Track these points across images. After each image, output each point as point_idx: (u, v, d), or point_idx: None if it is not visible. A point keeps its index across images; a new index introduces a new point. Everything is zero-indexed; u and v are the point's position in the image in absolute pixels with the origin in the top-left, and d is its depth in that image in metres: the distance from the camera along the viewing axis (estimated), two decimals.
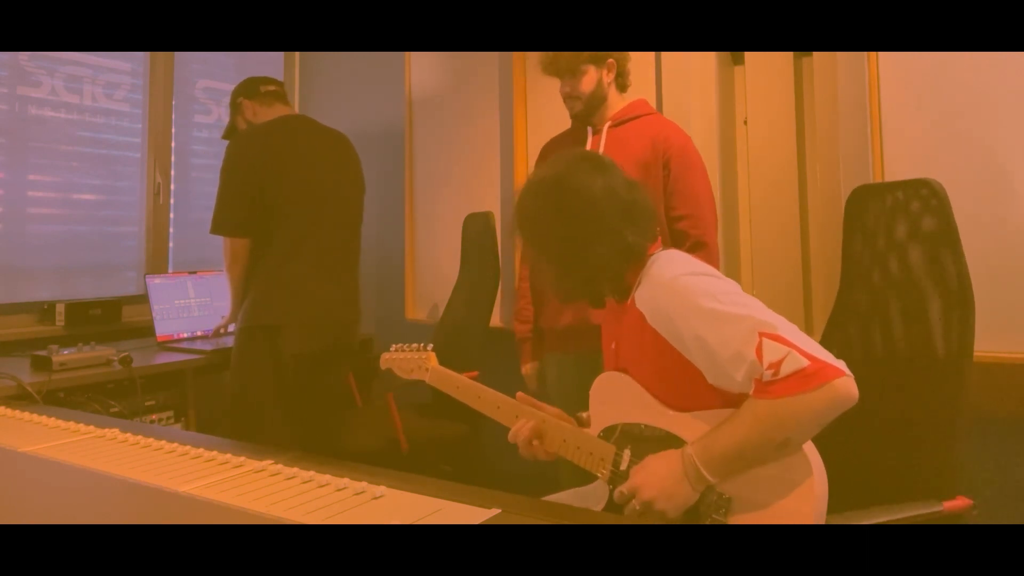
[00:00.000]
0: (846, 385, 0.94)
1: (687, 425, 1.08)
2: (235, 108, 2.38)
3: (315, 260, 2.21)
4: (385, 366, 1.56)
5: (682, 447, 1.05)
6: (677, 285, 1.09)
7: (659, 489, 1.04)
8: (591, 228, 1.15)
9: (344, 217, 2.34)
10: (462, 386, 1.39)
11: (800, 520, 0.97)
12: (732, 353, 0.99)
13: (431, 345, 1.50)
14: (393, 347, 1.55)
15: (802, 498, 0.98)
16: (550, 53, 1.85)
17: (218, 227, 2.19)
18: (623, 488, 1.09)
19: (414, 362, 1.49)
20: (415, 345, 1.51)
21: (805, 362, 0.94)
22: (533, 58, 2.56)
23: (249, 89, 2.35)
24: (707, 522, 1.03)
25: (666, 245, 1.27)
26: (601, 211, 1.15)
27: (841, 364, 0.96)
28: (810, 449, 1.01)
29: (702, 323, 1.03)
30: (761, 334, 0.97)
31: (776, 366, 0.95)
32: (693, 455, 1.02)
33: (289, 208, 2.18)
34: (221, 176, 2.19)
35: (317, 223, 2.23)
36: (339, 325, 2.28)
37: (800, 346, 0.96)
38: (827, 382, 0.93)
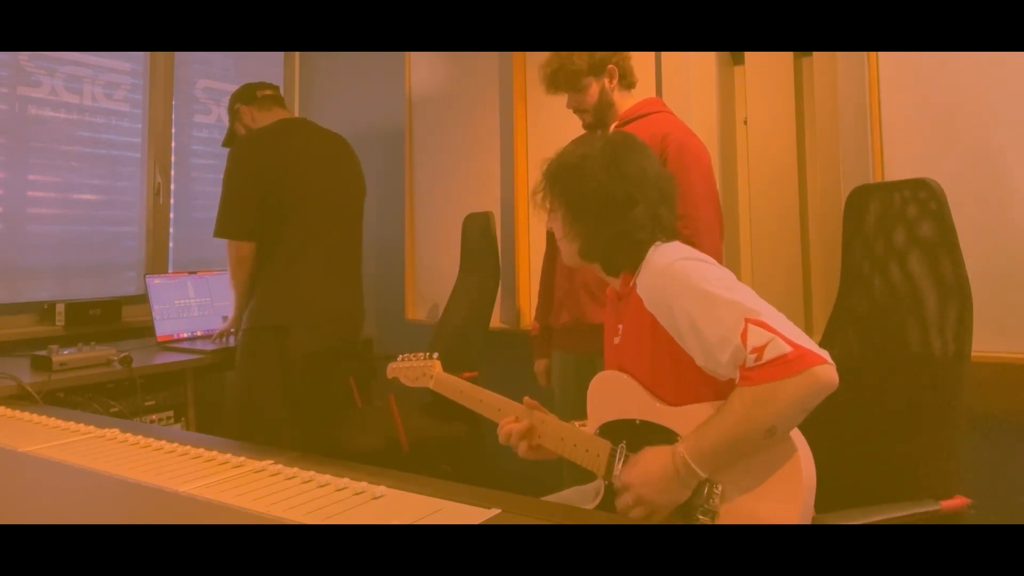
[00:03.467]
0: (827, 372, 0.97)
1: (681, 419, 1.10)
2: (233, 115, 2.39)
3: (321, 261, 2.23)
4: (392, 375, 1.59)
5: (673, 444, 1.07)
6: (673, 268, 1.13)
7: (650, 485, 1.06)
8: (635, 191, 1.20)
9: (347, 218, 2.35)
10: (465, 391, 1.42)
11: (790, 502, 0.99)
12: (719, 336, 1.02)
13: (436, 353, 1.53)
14: (400, 357, 1.57)
15: (790, 481, 1.00)
16: (548, 73, 1.83)
17: (223, 231, 2.19)
18: (615, 479, 1.12)
19: (419, 370, 1.52)
20: (421, 354, 1.55)
21: (787, 348, 0.97)
22: (533, 58, 2.56)
23: (246, 95, 2.36)
24: (698, 513, 1.05)
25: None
26: (646, 180, 1.22)
27: (823, 352, 0.98)
28: (796, 434, 1.03)
29: (693, 303, 1.07)
30: (747, 320, 1.00)
31: (759, 351, 0.98)
32: (683, 452, 1.04)
33: (294, 210, 2.19)
34: (225, 180, 2.20)
35: (322, 224, 2.24)
36: (346, 324, 2.30)
37: (784, 333, 0.99)
38: (808, 368, 0.96)
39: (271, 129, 2.26)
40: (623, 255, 1.23)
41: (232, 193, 2.18)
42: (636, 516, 1.07)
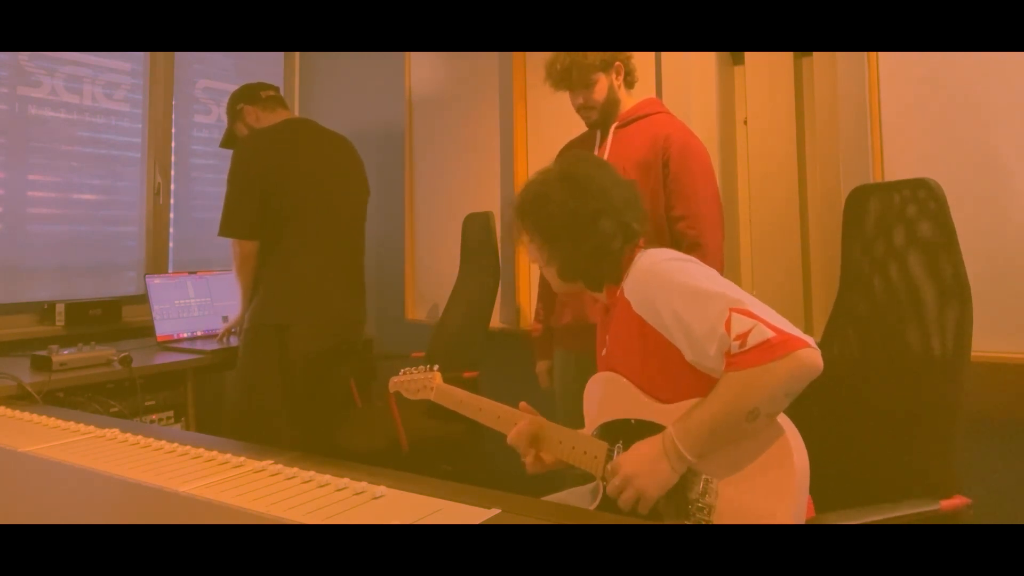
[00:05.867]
0: (810, 355, 0.99)
1: (676, 416, 1.11)
2: (235, 115, 2.39)
3: (323, 260, 2.24)
4: (394, 389, 1.62)
5: (664, 429, 1.10)
6: (656, 268, 1.17)
7: (639, 466, 1.09)
8: (598, 204, 1.22)
9: (350, 218, 2.37)
10: (464, 401, 1.44)
11: (784, 492, 1.01)
12: (706, 328, 1.04)
13: (437, 365, 1.56)
14: (402, 371, 1.60)
15: (783, 471, 1.01)
16: (559, 69, 1.83)
17: (227, 230, 2.20)
18: (608, 465, 1.14)
19: (420, 383, 1.55)
20: (422, 367, 1.57)
21: (770, 333, 1.00)
22: (533, 58, 2.56)
23: (250, 95, 2.36)
24: (694, 508, 1.07)
25: (664, 245, 1.31)
26: (605, 190, 1.24)
27: (808, 337, 1.00)
28: (787, 424, 1.04)
29: (679, 299, 1.09)
30: (731, 309, 1.03)
31: (743, 337, 1.01)
32: (672, 434, 1.07)
33: (297, 210, 2.20)
34: (229, 179, 2.21)
35: (325, 224, 2.25)
36: (347, 324, 2.31)
37: (766, 319, 1.01)
38: (792, 352, 0.99)
39: (276, 129, 2.27)
40: (601, 267, 1.26)
41: (237, 192, 2.19)
42: (626, 499, 1.09)
